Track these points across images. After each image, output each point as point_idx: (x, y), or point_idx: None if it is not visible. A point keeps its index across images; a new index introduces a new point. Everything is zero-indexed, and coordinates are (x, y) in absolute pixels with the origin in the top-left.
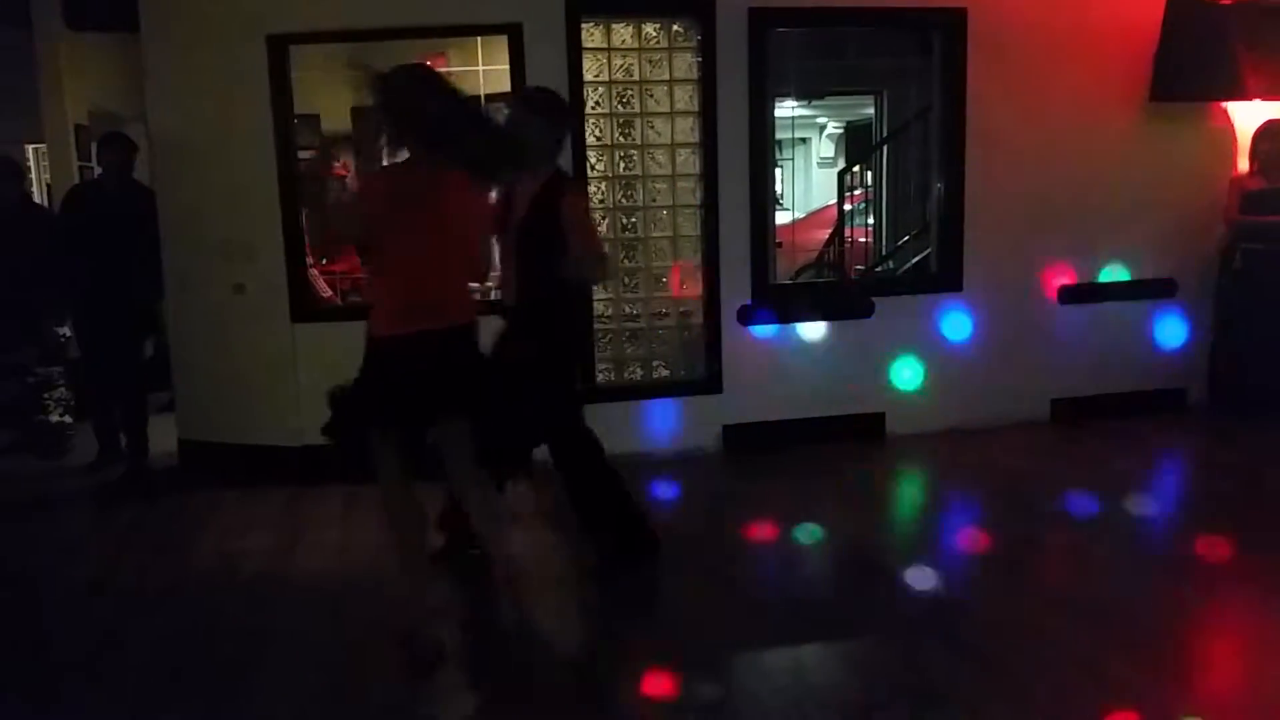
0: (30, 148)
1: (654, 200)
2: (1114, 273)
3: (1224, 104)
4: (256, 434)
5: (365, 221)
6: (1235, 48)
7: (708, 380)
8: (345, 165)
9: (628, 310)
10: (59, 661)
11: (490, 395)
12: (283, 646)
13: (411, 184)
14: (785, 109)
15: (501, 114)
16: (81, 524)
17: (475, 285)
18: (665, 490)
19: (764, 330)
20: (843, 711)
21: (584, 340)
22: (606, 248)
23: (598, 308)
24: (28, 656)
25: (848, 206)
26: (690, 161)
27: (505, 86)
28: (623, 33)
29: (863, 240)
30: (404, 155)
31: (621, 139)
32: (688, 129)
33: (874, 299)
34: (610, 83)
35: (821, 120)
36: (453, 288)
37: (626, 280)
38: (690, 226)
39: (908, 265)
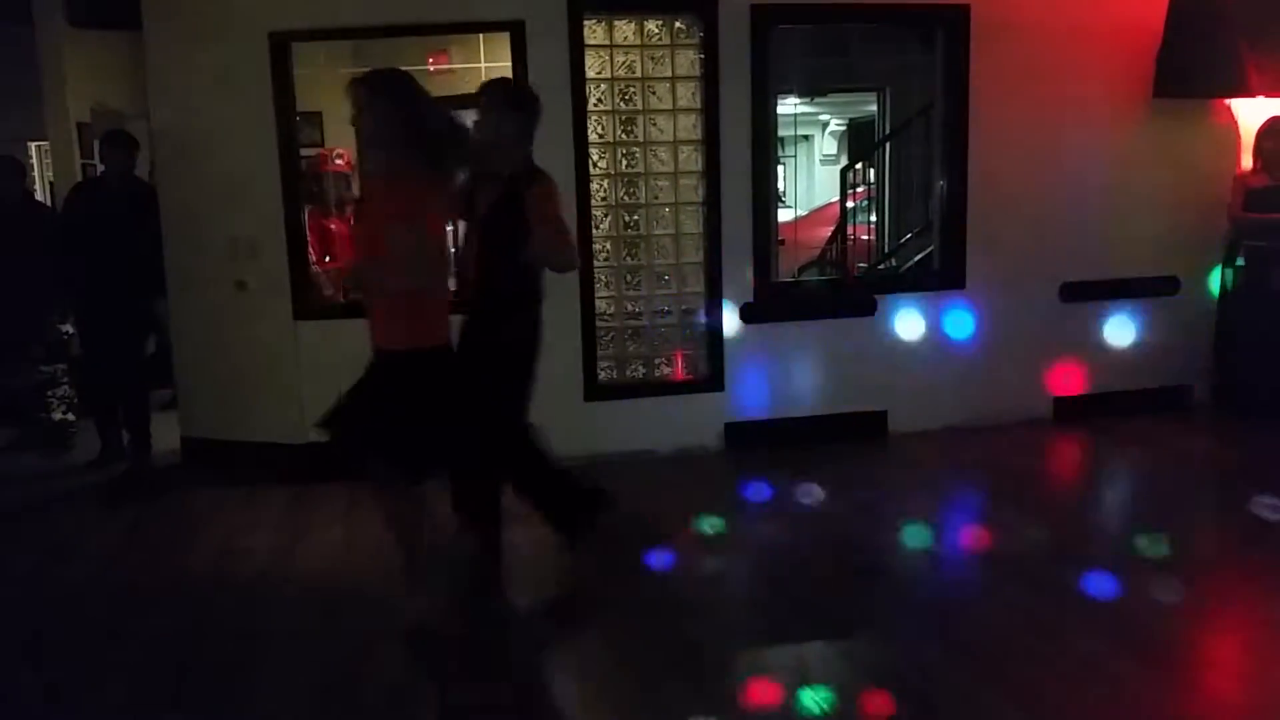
0: (33, 145)
1: (656, 198)
2: (1117, 270)
3: (1228, 101)
4: (259, 431)
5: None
6: (1239, 44)
7: (710, 378)
8: (343, 156)
9: (630, 308)
10: (59, 661)
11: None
12: (283, 646)
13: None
14: (788, 106)
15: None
16: (83, 522)
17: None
18: (666, 488)
19: (766, 328)
20: (843, 711)
21: (540, 342)
22: (574, 237)
23: (600, 305)
24: (28, 656)
25: (850, 204)
26: (692, 159)
27: None
28: (625, 29)
29: (865, 238)
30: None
31: (624, 136)
32: (690, 126)
33: (876, 297)
34: (612, 79)
35: (824, 117)
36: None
37: (628, 278)
38: (692, 224)
39: (910, 263)
